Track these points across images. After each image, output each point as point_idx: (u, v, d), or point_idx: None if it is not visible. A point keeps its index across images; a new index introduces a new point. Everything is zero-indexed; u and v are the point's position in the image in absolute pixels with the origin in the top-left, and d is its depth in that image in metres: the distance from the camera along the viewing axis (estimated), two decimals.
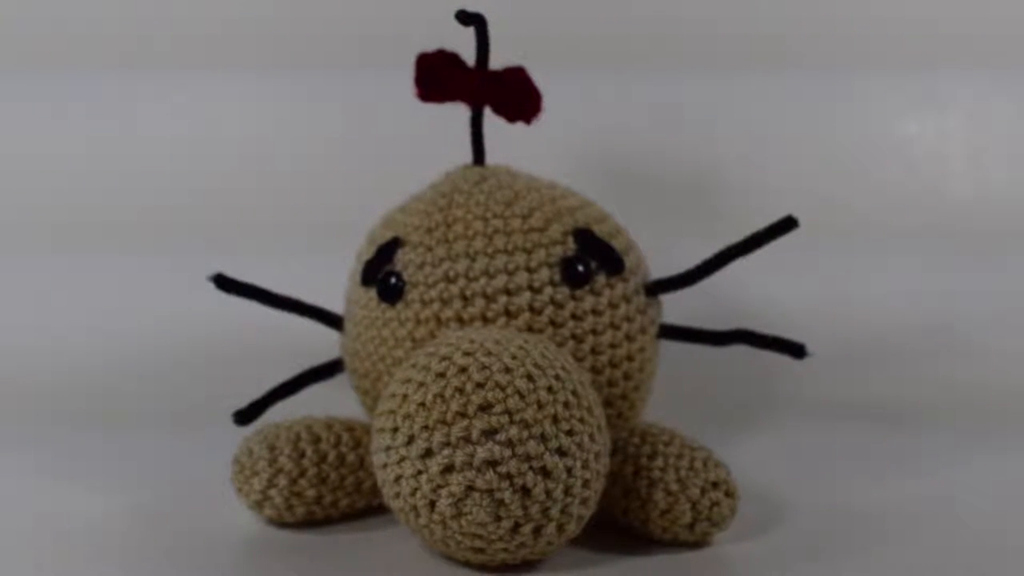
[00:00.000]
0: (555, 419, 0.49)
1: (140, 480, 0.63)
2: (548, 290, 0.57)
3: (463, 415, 0.48)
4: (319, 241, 0.74)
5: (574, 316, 0.57)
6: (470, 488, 0.48)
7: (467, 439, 0.48)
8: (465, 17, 0.57)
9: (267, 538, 0.56)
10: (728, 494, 0.53)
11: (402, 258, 0.58)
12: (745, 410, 0.75)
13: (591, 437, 0.50)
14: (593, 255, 0.58)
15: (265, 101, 0.87)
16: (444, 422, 0.48)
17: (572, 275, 0.57)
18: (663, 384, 0.63)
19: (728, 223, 0.70)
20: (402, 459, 0.49)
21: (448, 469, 0.48)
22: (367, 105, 0.84)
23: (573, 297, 0.57)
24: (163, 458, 0.68)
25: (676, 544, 0.54)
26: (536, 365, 0.50)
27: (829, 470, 0.65)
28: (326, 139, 0.85)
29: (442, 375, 0.49)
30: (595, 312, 0.57)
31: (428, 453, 0.48)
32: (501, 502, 0.48)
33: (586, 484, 0.50)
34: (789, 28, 0.86)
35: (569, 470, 0.49)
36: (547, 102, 0.59)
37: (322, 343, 0.65)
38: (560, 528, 0.50)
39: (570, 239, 0.58)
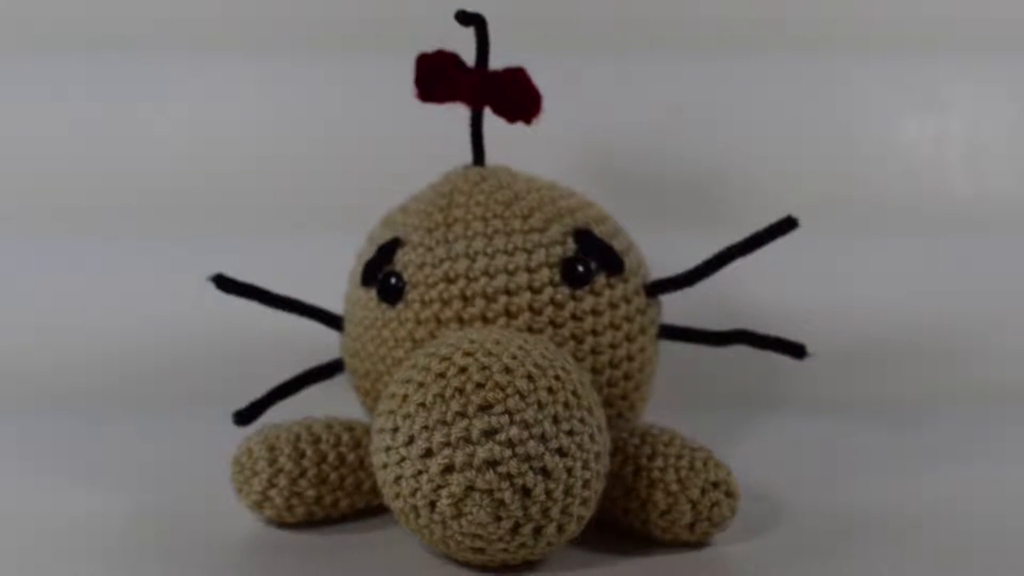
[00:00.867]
0: (555, 419, 0.49)
1: (140, 480, 0.63)
2: (548, 290, 0.56)
3: (463, 415, 0.48)
4: (318, 245, 0.74)
5: (574, 316, 0.57)
6: (470, 488, 0.48)
7: (467, 439, 0.48)
8: (465, 17, 0.57)
9: (267, 538, 0.56)
10: (728, 494, 0.53)
11: (402, 258, 0.58)
12: (745, 410, 0.75)
13: (591, 437, 0.50)
14: (593, 255, 0.58)
15: (265, 103, 0.87)
16: (444, 422, 0.48)
17: (572, 275, 0.57)
18: (663, 384, 0.63)
19: (728, 223, 0.70)
20: (402, 459, 0.49)
21: (448, 469, 0.48)
22: (367, 105, 0.84)
23: (573, 297, 0.57)
24: (163, 458, 0.68)
25: (676, 544, 0.54)
26: (536, 365, 0.50)
27: (829, 470, 0.65)
28: (327, 139, 0.85)
29: (442, 375, 0.49)
30: (595, 312, 0.57)
31: (428, 453, 0.48)
32: (501, 502, 0.48)
33: (586, 484, 0.50)
34: (789, 28, 0.85)
35: (569, 470, 0.49)
36: (547, 102, 0.59)
37: (322, 343, 0.65)
38: (560, 528, 0.50)
39: (570, 239, 0.58)
